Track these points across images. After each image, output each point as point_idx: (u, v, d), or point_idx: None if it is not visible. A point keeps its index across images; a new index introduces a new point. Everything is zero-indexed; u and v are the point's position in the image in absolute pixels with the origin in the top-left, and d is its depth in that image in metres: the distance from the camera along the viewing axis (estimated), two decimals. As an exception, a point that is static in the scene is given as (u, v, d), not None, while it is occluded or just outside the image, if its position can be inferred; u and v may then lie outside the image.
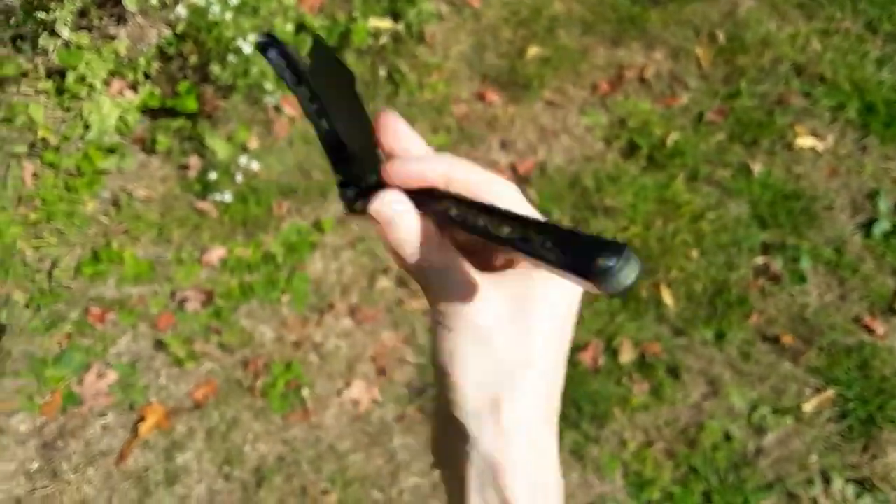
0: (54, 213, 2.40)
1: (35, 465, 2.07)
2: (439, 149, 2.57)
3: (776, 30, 2.93)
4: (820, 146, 2.66)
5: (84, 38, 2.52)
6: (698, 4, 3.00)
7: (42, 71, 2.57)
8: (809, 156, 2.64)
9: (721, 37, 2.91)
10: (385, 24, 2.82)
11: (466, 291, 0.45)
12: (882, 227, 2.48)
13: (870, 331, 2.29)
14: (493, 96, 2.77)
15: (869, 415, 2.15)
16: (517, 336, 0.45)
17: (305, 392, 2.16)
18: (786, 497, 2.05)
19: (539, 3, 2.99)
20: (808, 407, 2.17)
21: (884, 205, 2.52)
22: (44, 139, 2.47)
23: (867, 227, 2.49)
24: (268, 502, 2.01)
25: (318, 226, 2.46)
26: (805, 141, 2.67)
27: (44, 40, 2.50)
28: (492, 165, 2.60)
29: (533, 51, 2.87)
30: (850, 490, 2.05)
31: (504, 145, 2.66)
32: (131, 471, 2.06)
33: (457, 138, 2.66)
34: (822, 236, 2.47)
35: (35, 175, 2.47)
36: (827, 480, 2.07)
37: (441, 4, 2.95)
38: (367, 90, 2.75)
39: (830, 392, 2.19)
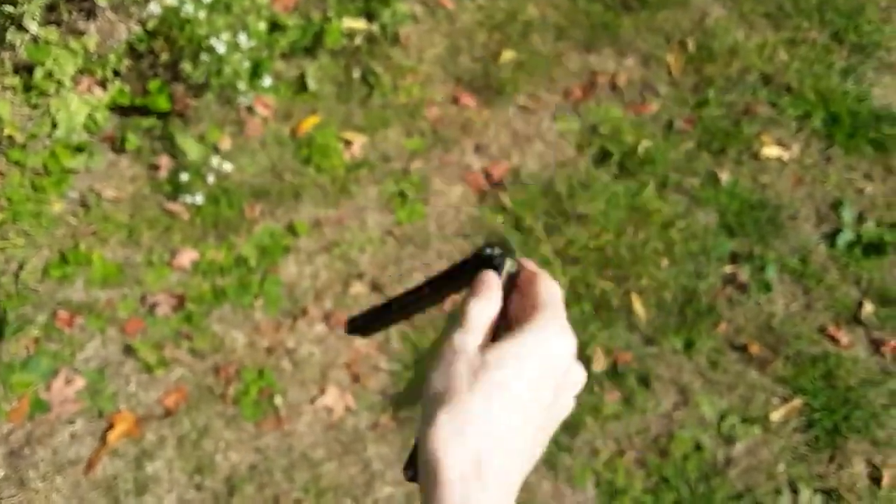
0: (20, 214, 2.34)
1: (1, 474, 2.02)
2: (413, 153, 2.56)
3: (744, 39, 2.98)
4: (785, 156, 2.71)
5: (52, 33, 2.46)
6: (669, 12, 3.03)
7: (9, 66, 2.50)
8: (775, 165, 2.69)
9: (691, 45, 2.95)
10: (359, 24, 2.80)
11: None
12: (846, 237, 2.53)
13: (834, 340, 2.34)
14: (468, 100, 2.77)
15: (834, 424, 2.20)
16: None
17: (278, 399, 2.14)
18: (754, 506, 2.10)
19: (514, 7, 3.00)
20: (775, 416, 2.21)
21: (847, 215, 2.58)
22: (10, 137, 2.41)
23: (831, 237, 2.55)
24: (240, 511, 2.00)
25: (291, 229, 2.44)
26: (771, 150, 2.72)
27: (11, 35, 2.43)
28: (465, 170, 2.61)
29: (507, 55, 2.88)
30: (818, 500, 2.10)
31: (478, 149, 2.66)
32: (100, 480, 2.03)
33: (430, 142, 2.66)
34: (788, 246, 2.53)
35: (0, 174, 2.41)
36: (795, 490, 2.12)
37: (416, 6, 2.94)
38: (340, 92, 2.73)
39: (797, 401, 2.24)
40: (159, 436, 2.09)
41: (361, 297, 2.34)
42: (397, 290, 2.35)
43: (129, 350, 2.19)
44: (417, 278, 2.39)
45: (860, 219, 2.60)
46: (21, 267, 2.30)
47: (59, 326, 2.20)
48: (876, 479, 2.14)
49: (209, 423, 2.11)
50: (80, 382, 2.13)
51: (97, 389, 2.13)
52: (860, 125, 2.77)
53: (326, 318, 2.28)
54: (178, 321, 2.23)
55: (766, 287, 2.43)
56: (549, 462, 2.12)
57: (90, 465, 2.03)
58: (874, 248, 2.51)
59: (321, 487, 2.04)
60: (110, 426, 2.08)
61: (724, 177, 2.64)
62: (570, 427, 2.15)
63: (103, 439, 2.07)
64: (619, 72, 2.88)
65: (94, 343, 2.21)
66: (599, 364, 2.24)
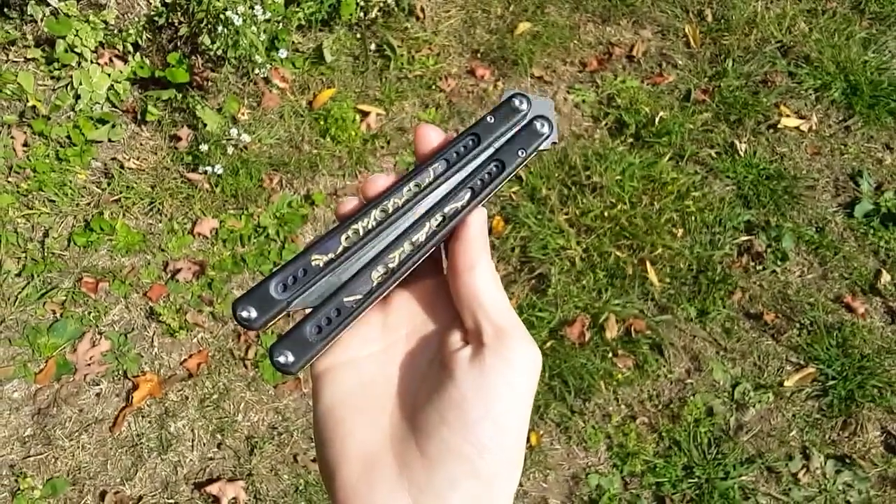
0: (46, 183, 2.40)
1: (29, 432, 2.09)
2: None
3: (763, 9, 2.96)
4: (804, 126, 2.70)
5: (72, 7, 2.50)
6: (688, -17, 3.02)
7: (31, 39, 2.55)
8: (794, 136, 2.68)
9: (709, 15, 2.94)
10: (376, -3, 2.81)
11: None
12: (864, 207, 2.53)
13: (850, 309, 2.35)
14: (483, 72, 2.79)
15: (849, 392, 2.21)
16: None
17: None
18: (766, 472, 2.12)
19: (530, -21, 3.00)
20: (789, 383, 2.22)
21: (866, 185, 2.57)
22: (34, 108, 2.46)
23: (849, 208, 2.54)
24: (259, 470, 2.05)
25: (309, 198, 2.47)
26: (790, 121, 2.71)
27: (32, 8, 2.48)
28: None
29: (523, 27, 2.88)
30: (830, 466, 2.12)
31: (494, 121, 2.67)
32: (125, 438, 2.09)
33: (446, 114, 2.68)
34: (805, 216, 2.52)
35: (26, 144, 2.46)
36: (807, 456, 2.13)
37: (432, -22, 2.95)
38: (357, 64, 2.76)
39: (811, 369, 2.25)
40: (182, 396, 2.14)
41: (378, 265, 2.37)
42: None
43: (152, 314, 2.25)
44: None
45: (879, 189, 2.59)
46: (47, 234, 2.36)
47: (85, 291, 2.26)
48: (890, 447, 2.15)
49: (230, 384, 2.16)
50: (105, 345, 2.18)
51: (122, 352, 2.19)
52: (880, 95, 2.75)
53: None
54: (200, 287, 2.28)
55: (783, 257, 2.43)
56: (562, 425, 2.15)
57: (115, 424, 2.09)
58: (893, 218, 2.50)
59: (338, 448, 2.08)
60: (135, 387, 2.14)
61: (742, 147, 2.64)
62: (583, 391, 2.18)
63: (128, 399, 2.13)
64: (636, 43, 2.87)
65: (119, 307, 2.26)
66: (612, 331, 2.26)
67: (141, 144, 2.55)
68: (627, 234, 2.42)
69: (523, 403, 0.42)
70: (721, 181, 2.57)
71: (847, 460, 2.13)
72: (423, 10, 2.88)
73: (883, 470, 2.10)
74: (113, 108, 2.57)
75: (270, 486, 2.04)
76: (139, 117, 2.57)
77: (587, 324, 2.28)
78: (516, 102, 0.50)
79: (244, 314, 0.44)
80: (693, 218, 2.47)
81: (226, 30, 2.48)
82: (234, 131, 2.50)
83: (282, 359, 0.43)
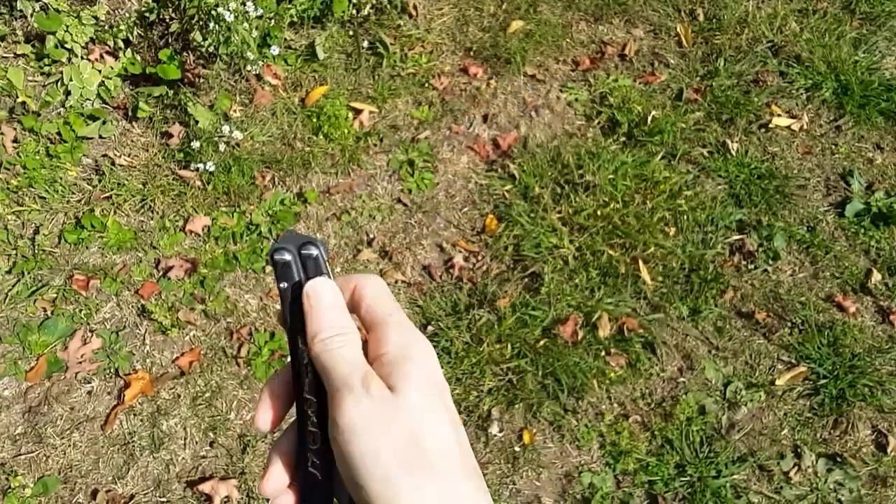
0: (36, 180, 2.38)
1: (20, 430, 2.08)
2: (421, 123, 2.57)
3: (754, 9, 2.97)
4: (795, 126, 2.71)
5: (63, 3, 2.48)
6: (680, -18, 3.03)
7: (21, 35, 2.53)
8: (785, 135, 2.70)
9: (701, 15, 2.95)
10: (369, -6, 2.81)
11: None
12: (855, 207, 2.54)
13: (842, 308, 2.36)
14: (476, 70, 2.78)
15: (840, 391, 2.22)
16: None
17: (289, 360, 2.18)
18: (758, 470, 2.12)
19: (523, -22, 3.00)
20: (780, 382, 2.24)
21: (857, 185, 2.59)
22: (24, 104, 2.44)
23: (840, 207, 2.56)
24: (252, 468, 2.04)
25: (301, 196, 2.47)
26: (781, 121, 2.72)
27: (21, 4, 2.46)
28: (474, 139, 2.63)
29: (516, 25, 2.88)
30: (821, 465, 2.13)
31: (486, 119, 2.68)
32: (116, 436, 2.08)
33: (439, 112, 2.68)
34: (796, 215, 2.54)
35: (16, 141, 2.44)
36: (798, 455, 2.14)
37: (425, -24, 2.95)
38: (349, 61, 2.75)
39: (803, 368, 2.26)
40: (174, 394, 2.13)
41: (371, 263, 2.37)
42: (406, 256, 2.38)
43: (144, 312, 2.23)
44: (426, 245, 2.42)
45: (870, 188, 2.60)
46: (37, 231, 2.34)
47: (76, 289, 2.25)
48: (881, 446, 2.16)
49: (222, 382, 2.15)
50: (96, 343, 2.17)
51: (113, 350, 2.18)
52: (871, 95, 2.76)
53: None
54: (192, 285, 2.27)
55: (774, 256, 2.44)
56: (555, 424, 2.15)
57: (107, 422, 2.08)
58: (883, 218, 2.52)
59: (331, 446, 2.08)
60: (126, 385, 2.12)
61: (734, 147, 2.65)
62: (576, 390, 2.18)
63: (119, 397, 2.11)
64: (628, 42, 2.88)
65: (110, 305, 2.25)
66: (605, 330, 2.26)
67: (132, 141, 2.53)
68: (620, 233, 2.43)
69: None
70: (713, 180, 2.58)
71: (838, 459, 2.14)
72: (415, 7, 2.87)
73: (874, 468, 2.12)
74: (104, 105, 2.55)
75: (263, 485, 2.03)
76: (130, 114, 2.55)
77: (580, 322, 2.28)
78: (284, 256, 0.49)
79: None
80: (685, 217, 2.48)
81: (217, 26, 2.46)
82: (225, 128, 2.48)
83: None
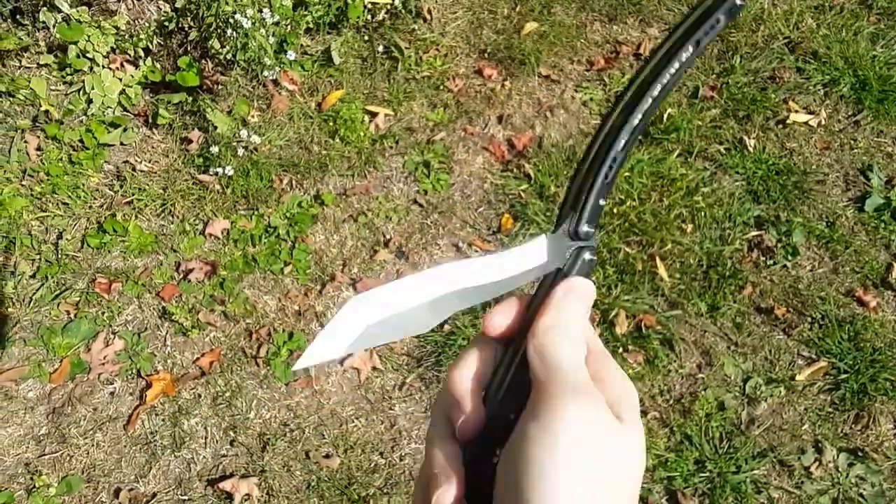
0: (59, 186, 2.43)
1: (44, 430, 2.11)
2: (436, 125, 2.58)
3: (770, 6, 2.96)
4: (813, 122, 2.70)
5: (84, 13, 2.53)
6: (694, -19, 3.02)
7: (43, 45, 2.58)
8: (803, 131, 2.68)
9: (717, 13, 2.94)
10: (384, -1, 2.84)
11: None
12: (875, 201, 2.52)
13: (862, 303, 2.34)
14: (491, 72, 2.80)
15: (861, 385, 2.20)
16: None
17: (308, 361, 2.20)
18: (778, 466, 2.11)
19: (537, -20, 3.02)
20: (800, 377, 2.22)
21: (876, 179, 2.56)
22: (47, 113, 2.49)
23: (860, 202, 2.53)
24: (272, 466, 2.06)
25: (318, 198, 2.49)
26: (798, 116, 2.71)
27: (44, 15, 2.51)
28: (489, 140, 2.64)
29: (530, 26, 2.89)
30: (843, 459, 2.10)
31: (501, 120, 2.69)
32: (139, 435, 2.11)
33: (454, 113, 2.69)
34: (815, 210, 2.52)
35: (39, 148, 2.49)
36: (819, 450, 2.12)
37: (439, -20, 2.97)
38: (365, 66, 2.78)
39: (823, 363, 2.24)
40: (195, 394, 2.16)
41: (387, 264, 2.38)
42: (423, 256, 2.39)
43: (165, 314, 2.27)
44: (442, 245, 2.43)
45: (889, 183, 2.58)
46: (60, 236, 2.38)
47: (98, 292, 2.28)
48: (904, 440, 2.14)
49: (242, 382, 2.17)
50: (118, 344, 2.21)
51: (135, 351, 2.21)
52: (890, 90, 2.74)
53: (353, 283, 2.34)
54: (212, 287, 2.30)
55: (793, 251, 2.43)
56: (574, 421, 2.15)
57: (129, 422, 2.11)
58: (903, 212, 2.50)
59: (350, 443, 2.09)
60: (148, 385, 2.15)
61: (751, 143, 2.64)
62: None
63: (141, 398, 2.14)
64: (642, 41, 2.88)
65: (132, 307, 2.29)
66: (623, 327, 2.26)
67: (152, 147, 2.58)
68: (637, 231, 2.43)
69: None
70: (730, 177, 2.57)
71: (860, 453, 2.11)
72: (430, 11, 2.90)
73: (896, 463, 2.10)
74: (124, 112, 2.60)
75: (283, 483, 2.05)
76: (150, 121, 2.60)
77: (597, 319, 2.28)
78: None
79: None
80: (702, 213, 2.47)
81: (235, 33, 2.50)
82: (244, 133, 2.52)
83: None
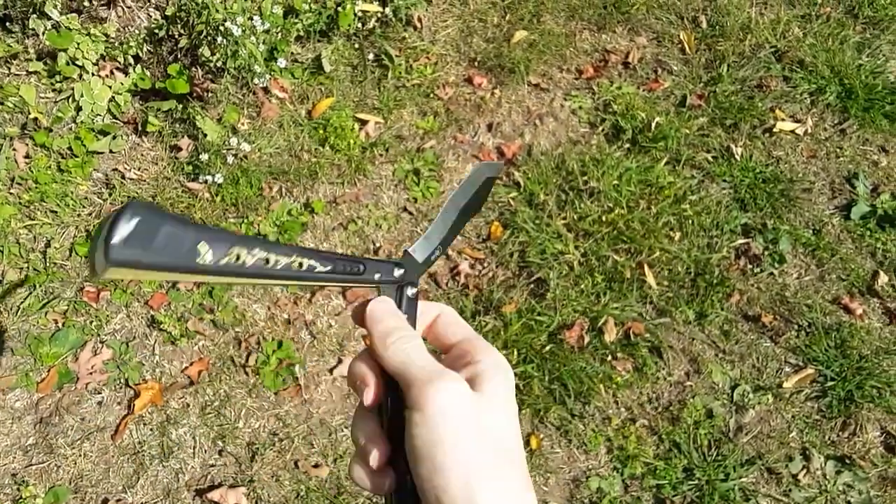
0: (47, 194, 2.42)
1: (31, 440, 2.10)
2: (426, 133, 2.59)
3: (757, 15, 2.98)
4: (800, 130, 2.72)
5: (74, 20, 2.53)
6: (682, -10, 3.04)
7: (32, 52, 2.58)
8: (789, 139, 2.70)
9: (704, 22, 2.96)
10: (373, 7, 2.84)
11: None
12: (861, 209, 2.54)
13: (848, 311, 2.36)
14: (481, 80, 2.81)
15: (848, 393, 2.21)
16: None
17: (297, 369, 2.20)
18: (766, 473, 2.12)
19: (526, -12, 3.03)
20: (788, 385, 2.23)
21: (862, 187, 2.59)
22: (35, 120, 2.49)
23: (846, 210, 2.56)
24: (261, 476, 2.06)
25: (308, 206, 2.49)
26: (785, 125, 2.73)
27: (33, 22, 2.50)
28: (479, 148, 2.65)
29: (519, 35, 2.91)
30: (830, 467, 2.12)
31: (491, 128, 2.70)
32: (127, 445, 2.10)
33: (444, 121, 2.70)
34: (802, 218, 2.54)
35: (28, 156, 2.48)
36: (807, 457, 2.13)
37: (429, -12, 2.98)
38: (355, 74, 2.78)
39: (810, 370, 2.26)
40: (183, 404, 2.15)
41: (377, 272, 2.38)
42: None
43: (153, 323, 2.26)
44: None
45: (875, 191, 2.60)
46: (48, 245, 2.37)
47: (87, 301, 2.28)
48: (890, 447, 2.16)
49: (231, 391, 2.17)
50: (106, 354, 2.20)
51: (123, 360, 2.20)
52: (875, 99, 2.76)
53: (343, 291, 2.34)
54: (201, 295, 2.30)
55: (780, 259, 2.44)
56: (563, 429, 2.16)
57: (117, 432, 2.10)
58: (889, 220, 2.52)
59: (339, 452, 2.09)
60: (136, 395, 2.15)
61: (738, 151, 2.65)
62: (583, 395, 2.19)
63: (129, 407, 2.14)
64: (631, 50, 2.90)
65: (120, 316, 2.28)
66: (611, 335, 2.27)
67: (142, 155, 2.57)
68: (625, 238, 2.44)
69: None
70: (717, 185, 2.59)
71: (847, 461, 2.13)
72: (420, 19, 2.90)
73: (883, 470, 2.11)
74: (114, 120, 2.59)
75: (272, 493, 2.05)
76: (140, 128, 2.59)
77: (586, 327, 2.29)
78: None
79: None
80: (690, 221, 2.49)
81: (225, 41, 2.50)
82: (233, 141, 2.52)
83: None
